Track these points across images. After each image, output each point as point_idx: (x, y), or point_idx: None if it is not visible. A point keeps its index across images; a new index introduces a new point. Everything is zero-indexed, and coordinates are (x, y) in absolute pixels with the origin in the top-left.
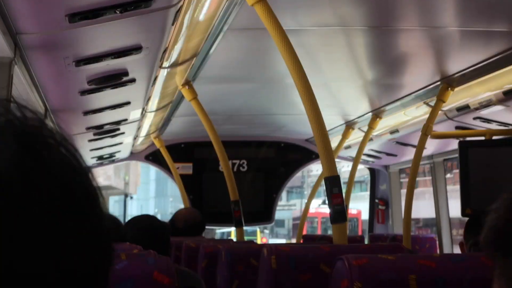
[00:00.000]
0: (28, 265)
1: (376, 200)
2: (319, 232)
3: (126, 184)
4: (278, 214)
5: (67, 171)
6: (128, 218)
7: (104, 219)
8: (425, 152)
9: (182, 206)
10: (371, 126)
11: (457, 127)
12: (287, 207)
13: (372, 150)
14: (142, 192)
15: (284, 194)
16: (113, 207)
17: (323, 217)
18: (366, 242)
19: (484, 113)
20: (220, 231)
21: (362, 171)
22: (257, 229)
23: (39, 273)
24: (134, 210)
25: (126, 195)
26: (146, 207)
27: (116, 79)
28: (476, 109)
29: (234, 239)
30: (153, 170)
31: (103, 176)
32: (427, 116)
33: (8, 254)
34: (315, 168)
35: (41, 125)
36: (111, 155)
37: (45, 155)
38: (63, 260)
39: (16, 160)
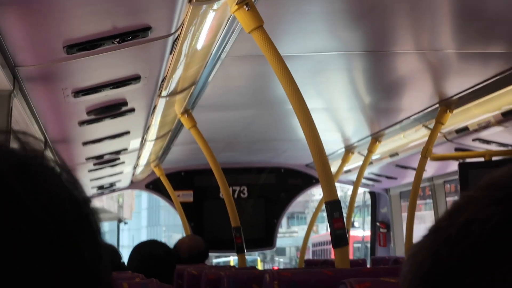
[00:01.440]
0: None
1: (378, 223)
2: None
3: (120, 207)
4: (279, 242)
5: (64, 202)
6: (120, 248)
7: (102, 251)
8: (425, 175)
9: (175, 235)
10: (370, 150)
11: (456, 149)
12: (288, 234)
13: (372, 173)
14: (134, 222)
15: (284, 221)
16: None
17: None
18: (368, 265)
19: (483, 134)
20: (216, 260)
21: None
22: (257, 258)
23: None
24: (125, 240)
25: (120, 221)
26: (138, 236)
27: (115, 109)
28: (475, 130)
29: None
30: (145, 199)
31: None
32: (426, 138)
33: None
34: (318, 192)
35: (41, 156)
36: (112, 185)
37: (42, 186)
38: None
39: (12, 191)
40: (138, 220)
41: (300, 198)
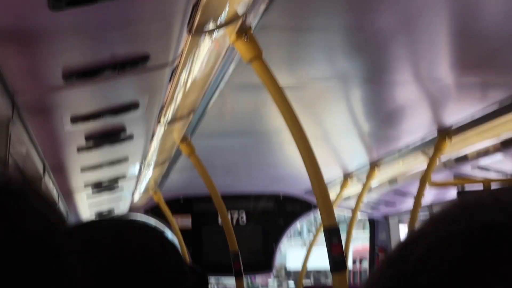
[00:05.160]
0: None
1: (376, 249)
2: None
3: None
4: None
5: (40, 231)
6: None
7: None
8: (424, 202)
9: None
10: (369, 177)
11: (455, 176)
12: None
13: (371, 200)
14: None
15: None
16: None
17: None
18: None
19: (482, 162)
20: None
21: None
22: None
23: None
24: None
25: None
26: None
27: (114, 136)
28: (474, 158)
29: None
30: None
31: None
32: (425, 165)
33: None
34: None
35: (21, 187)
36: (110, 211)
37: (15, 218)
38: None
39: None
40: None
41: None
